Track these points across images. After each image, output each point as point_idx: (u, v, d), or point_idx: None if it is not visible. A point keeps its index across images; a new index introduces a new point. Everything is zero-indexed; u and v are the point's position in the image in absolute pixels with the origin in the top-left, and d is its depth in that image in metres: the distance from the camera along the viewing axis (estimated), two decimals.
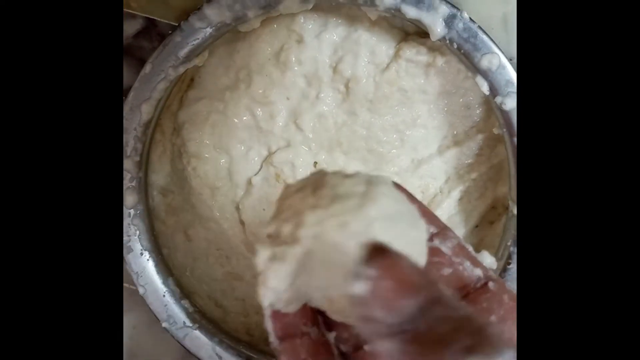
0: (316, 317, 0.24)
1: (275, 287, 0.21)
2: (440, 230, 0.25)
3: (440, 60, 0.37)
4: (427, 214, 0.25)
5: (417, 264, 0.19)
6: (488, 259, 0.24)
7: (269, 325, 0.23)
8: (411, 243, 0.21)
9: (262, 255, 0.21)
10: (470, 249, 0.25)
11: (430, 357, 0.16)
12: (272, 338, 0.23)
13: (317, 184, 0.23)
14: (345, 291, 0.18)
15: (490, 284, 0.24)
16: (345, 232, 0.20)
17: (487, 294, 0.23)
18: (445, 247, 0.24)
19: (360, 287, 0.17)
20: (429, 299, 0.17)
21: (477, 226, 0.41)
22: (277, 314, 0.23)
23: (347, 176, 0.23)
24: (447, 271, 0.24)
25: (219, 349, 0.38)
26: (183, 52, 0.36)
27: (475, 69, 0.35)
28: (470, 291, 0.24)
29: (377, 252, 0.17)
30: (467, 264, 0.24)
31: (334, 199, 0.22)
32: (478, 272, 0.24)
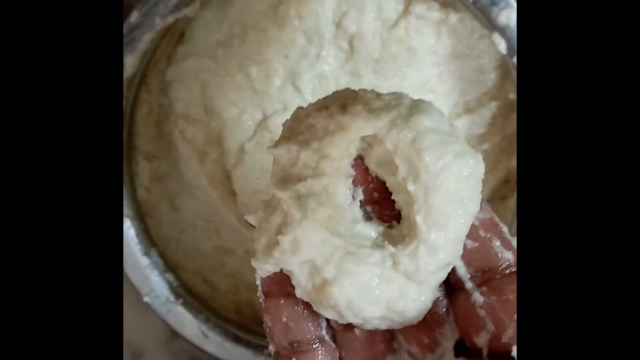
0: None
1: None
2: None
3: (453, 17, 0.34)
4: None
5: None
6: None
7: (258, 277, 0.22)
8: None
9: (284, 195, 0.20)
10: (505, 229, 0.21)
11: None
12: (259, 293, 0.22)
13: (347, 100, 0.21)
14: None
15: None
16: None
17: (515, 285, 0.20)
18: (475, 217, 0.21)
19: None
20: None
21: (487, 202, 0.38)
22: None
23: (383, 93, 0.21)
24: (470, 244, 0.21)
25: (204, 327, 0.36)
26: (172, 0, 0.33)
27: (492, 25, 0.32)
28: (494, 276, 0.20)
29: None
30: (497, 243, 0.21)
31: (374, 111, 0.20)
32: (509, 255, 0.20)
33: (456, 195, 0.20)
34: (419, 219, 0.20)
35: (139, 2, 0.33)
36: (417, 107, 0.20)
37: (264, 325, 0.22)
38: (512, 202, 0.37)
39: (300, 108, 0.22)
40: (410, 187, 0.20)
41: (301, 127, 0.21)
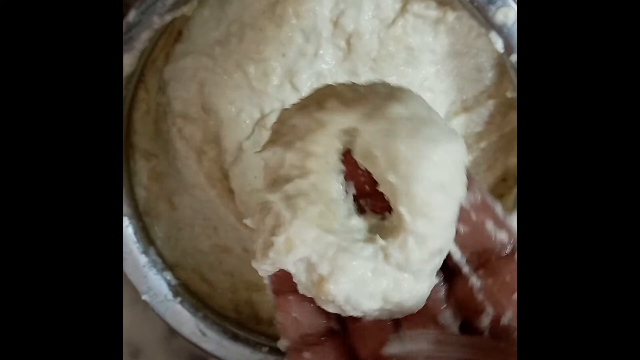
0: None
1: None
2: None
3: (451, 16, 0.34)
4: None
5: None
6: None
7: (265, 277, 0.22)
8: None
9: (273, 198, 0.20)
10: (498, 208, 0.21)
11: None
12: (268, 290, 0.22)
13: (324, 96, 0.21)
14: None
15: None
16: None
17: (512, 265, 0.20)
18: (465, 200, 0.20)
19: None
20: None
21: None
22: None
23: (358, 85, 0.21)
24: (463, 229, 0.20)
25: (202, 325, 0.36)
26: None
27: (489, 24, 0.32)
28: (491, 258, 0.20)
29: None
30: (490, 224, 0.20)
31: (349, 104, 0.20)
32: (503, 236, 0.20)
33: (436, 182, 0.19)
34: (402, 209, 0.19)
35: (136, 0, 0.33)
36: (391, 95, 0.20)
37: (275, 322, 0.22)
38: (510, 200, 0.37)
39: (284, 110, 0.22)
40: (391, 177, 0.19)
41: (285, 129, 0.22)
